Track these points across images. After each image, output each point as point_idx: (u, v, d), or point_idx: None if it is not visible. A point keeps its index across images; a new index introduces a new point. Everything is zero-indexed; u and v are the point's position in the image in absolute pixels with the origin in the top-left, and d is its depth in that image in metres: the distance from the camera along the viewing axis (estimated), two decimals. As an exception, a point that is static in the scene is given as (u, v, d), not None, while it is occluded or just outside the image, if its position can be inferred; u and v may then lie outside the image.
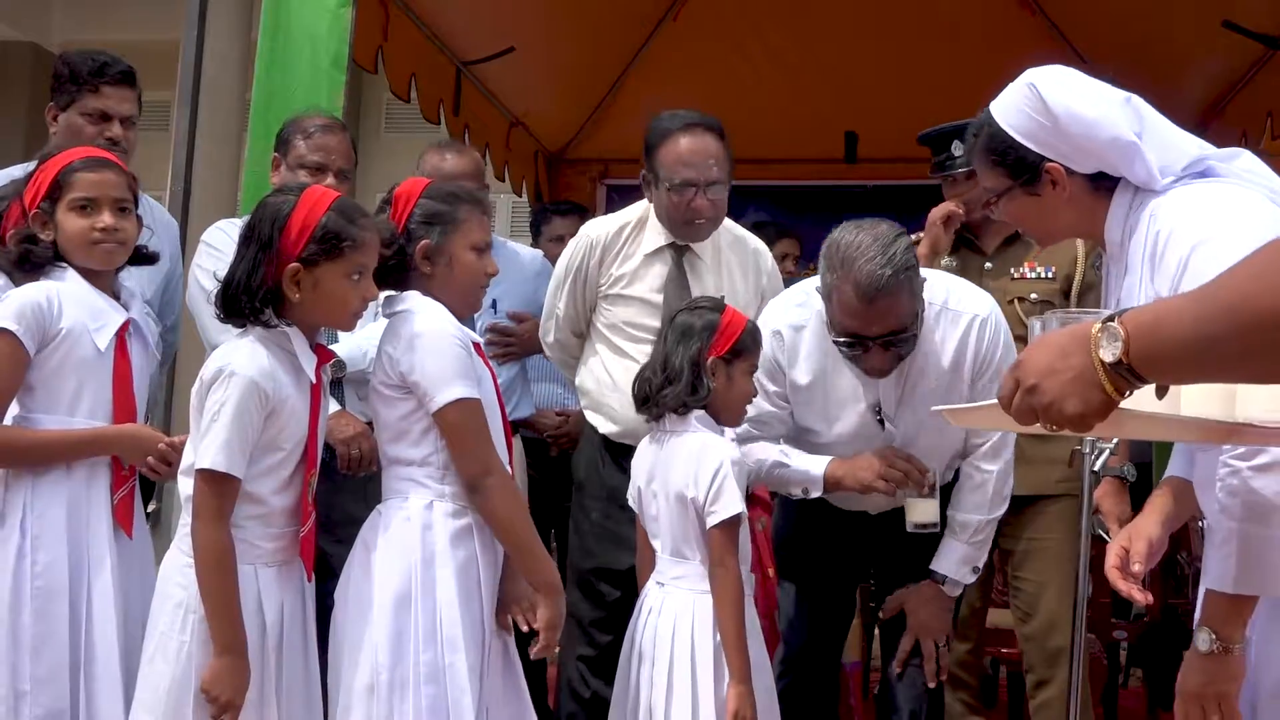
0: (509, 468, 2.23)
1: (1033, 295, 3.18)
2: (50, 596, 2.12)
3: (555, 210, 4.42)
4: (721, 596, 2.32)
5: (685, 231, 2.88)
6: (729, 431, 2.46)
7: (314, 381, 2.06)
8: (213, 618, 1.93)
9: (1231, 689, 1.60)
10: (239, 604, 1.95)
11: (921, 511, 2.48)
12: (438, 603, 2.08)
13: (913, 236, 2.69)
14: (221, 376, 1.97)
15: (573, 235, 3.16)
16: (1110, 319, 1.07)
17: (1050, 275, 3.21)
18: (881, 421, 2.53)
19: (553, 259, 3.49)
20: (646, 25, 5.19)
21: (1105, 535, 2.38)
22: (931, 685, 2.58)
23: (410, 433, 2.14)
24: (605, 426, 2.93)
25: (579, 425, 3.18)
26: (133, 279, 2.63)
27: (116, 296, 2.30)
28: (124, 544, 2.24)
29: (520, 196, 5.65)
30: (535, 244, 4.31)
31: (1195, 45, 4.29)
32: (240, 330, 2.05)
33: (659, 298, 2.89)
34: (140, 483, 2.35)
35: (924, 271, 2.50)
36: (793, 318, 2.58)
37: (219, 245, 2.71)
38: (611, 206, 3.52)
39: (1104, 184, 1.84)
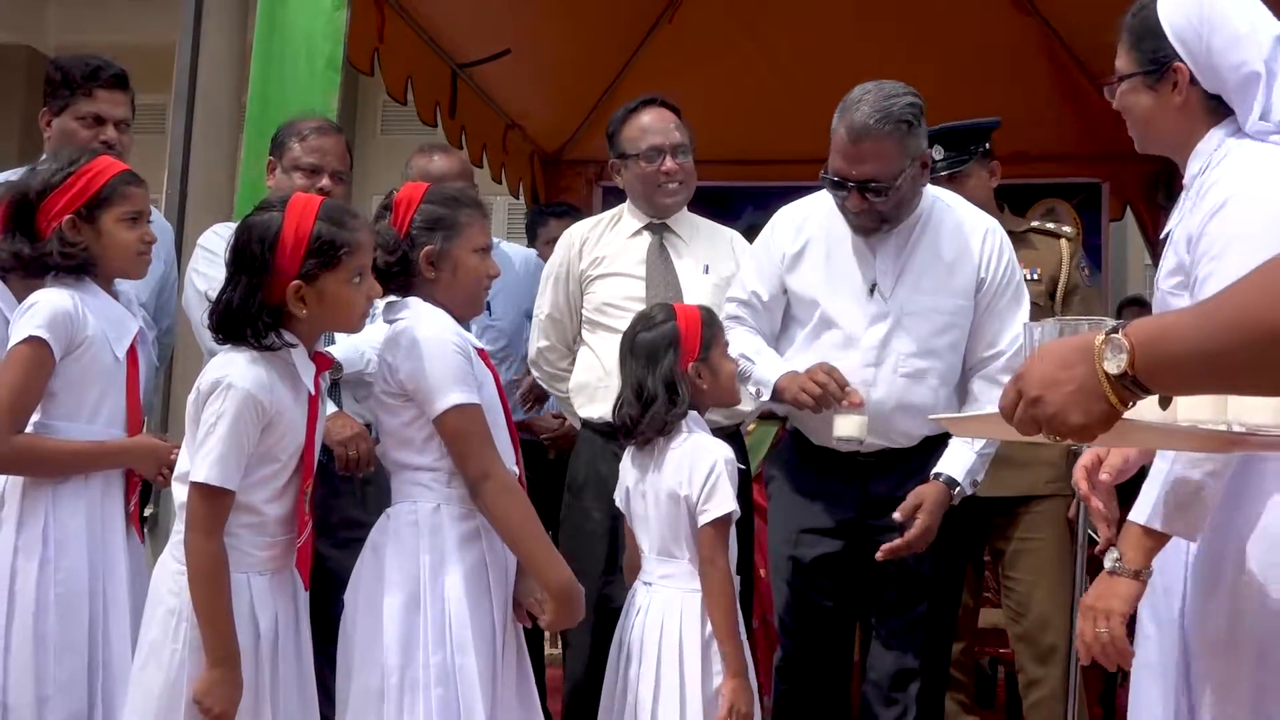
0: (515, 468, 2.24)
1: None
2: (72, 602, 2.14)
3: (551, 212, 4.43)
4: (712, 592, 2.34)
5: (660, 199, 2.97)
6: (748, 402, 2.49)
7: (312, 392, 2.05)
8: (205, 628, 1.91)
9: (1120, 608, 1.69)
10: (231, 615, 1.93)
11: (843, 426, 2.47)
12: (447, 605, 2.08)
13: None
14: (219, 388, 1.95)
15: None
16: (1114, 330, 1.07)
17: (1035, 277, 3.22)
18: (873, 292, 2.57)
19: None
20: (642, 27, 5.19)
21: (1095, 535, 2.39)
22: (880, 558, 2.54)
23: (414, 440, 2.15)
24: (607, 414, 2.93)
25: (574, 428, 3.18)
26: (127, 282, 2.64)
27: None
28: (134, 549, 2.28)
29: (517, 198, 5.65)
30: (531, 246, 4.31)
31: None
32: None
33: (641, 270, 2.95)
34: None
35: (942, 191, 2.61)
36: (809, 204, 2.69)
37: (215, 249, 2.71)
38: (607, 208, 3.52)
39: (1218, 110, 1.81)
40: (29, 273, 2.24)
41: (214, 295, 2.05)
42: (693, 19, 5.05)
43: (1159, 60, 1.84)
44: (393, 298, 2.23)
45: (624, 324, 2.80)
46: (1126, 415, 1.12)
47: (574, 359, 3.07)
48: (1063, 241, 3.26)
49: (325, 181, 2.78)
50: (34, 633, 2.11)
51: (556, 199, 5.41)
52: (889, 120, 2.41)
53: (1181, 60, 1.82)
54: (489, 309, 3.42)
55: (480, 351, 2.21)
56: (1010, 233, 3.26)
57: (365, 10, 3.65)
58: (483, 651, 2.09)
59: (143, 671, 1.98)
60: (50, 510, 2.17)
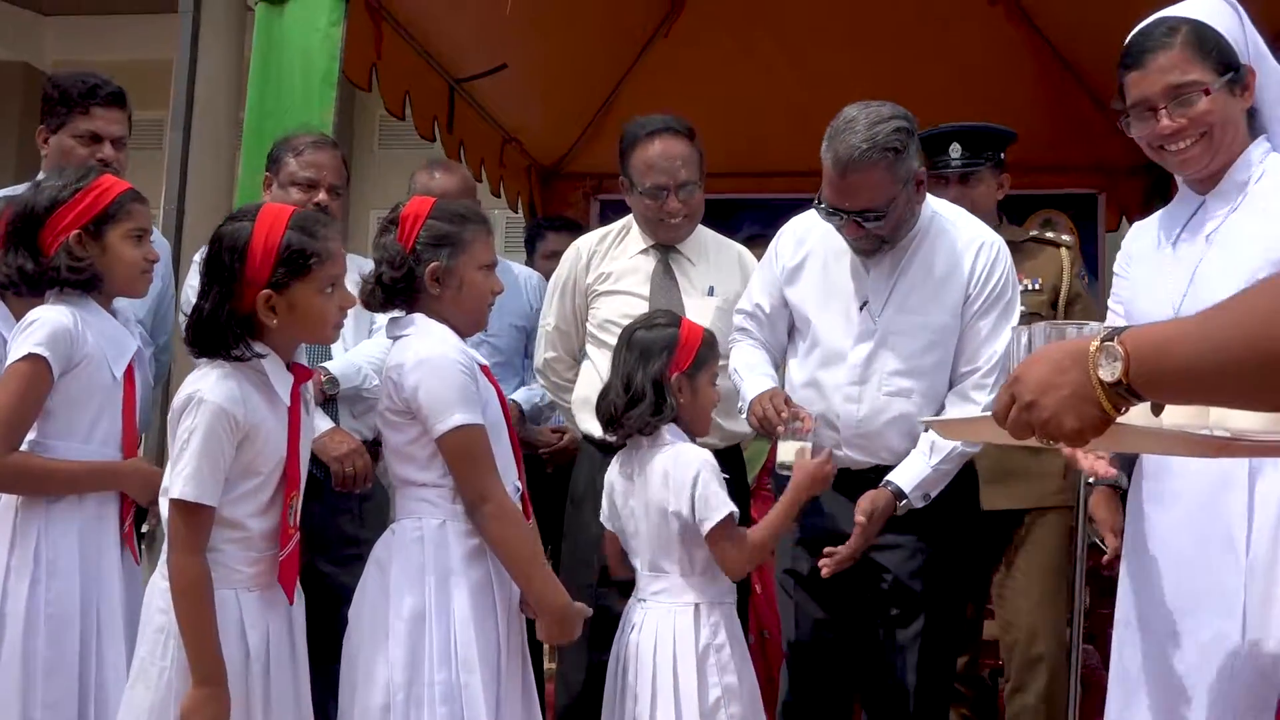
0: (519, 483, 2.25)
1: (1021, 308, 3.18)
2: (62, 623, 2.13)
3: (549, 226, 4.43)
4: (737, 560, 2.38)
5: (661, 232, 2.96)
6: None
7: (289, 404, 2.02)
8: (190, 646, 1.88)
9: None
10: (216, 633, 1.90)
11: (782, 451, 2.47)
12: (453, 622, 2.08)
13: None
14: (190, 404, 1.92)
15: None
16: (1109, 338, 1.08)
17: (1037, 287, 3.22)
18: (863, 309, 2.56)
19: (547, 274, 3.51)
20: (638, 41, 5.20)
21: (1101, 544, 2.39)
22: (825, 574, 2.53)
23: (417, 457, 2.15)
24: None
25: (575, 441, 3.18)
26: (124, 300, 2.64)
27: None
28: (130, 570, 2.26)
29: (516, 212, 5.66)
30: (530, 259, 4.32)
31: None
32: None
33: (645, 290, 2.94)
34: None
35: (942, 204, 2.59)
36: (810, 218, 2.67)
37: (212, 265, 2.71)
38: (604, 221, 3.53)
39: (1251, 121, 1.96)
40: (31, 289, 2.23)
41: None
42: (689, 32, 5.06)
43: (1233, 65, 1.93)
44: (397, 313, 2.23)
45: None
46: (1119, 420, 1.13)
47: (579, 370, 3.08)
48: (1063, 251, 3.26)
49: (322, 196, 2.79)
50: (22, 653, 2.09)
51: (554, 212, 5.41)
52: (876, 150, 2.37)
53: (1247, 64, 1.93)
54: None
55: (483, 368, 2.21)
56: (1010, 243, 3.27)
57: (362, 26, 3.66)
58: (488, 669, 2.09)
59: (132, 690, 1.96)
60: (43, 530, 2.16)
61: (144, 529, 2.53)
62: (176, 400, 1.96)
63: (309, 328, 2.03)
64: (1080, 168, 5.10)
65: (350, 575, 2.32)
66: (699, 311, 2.91)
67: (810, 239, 2.67)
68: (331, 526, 2.67)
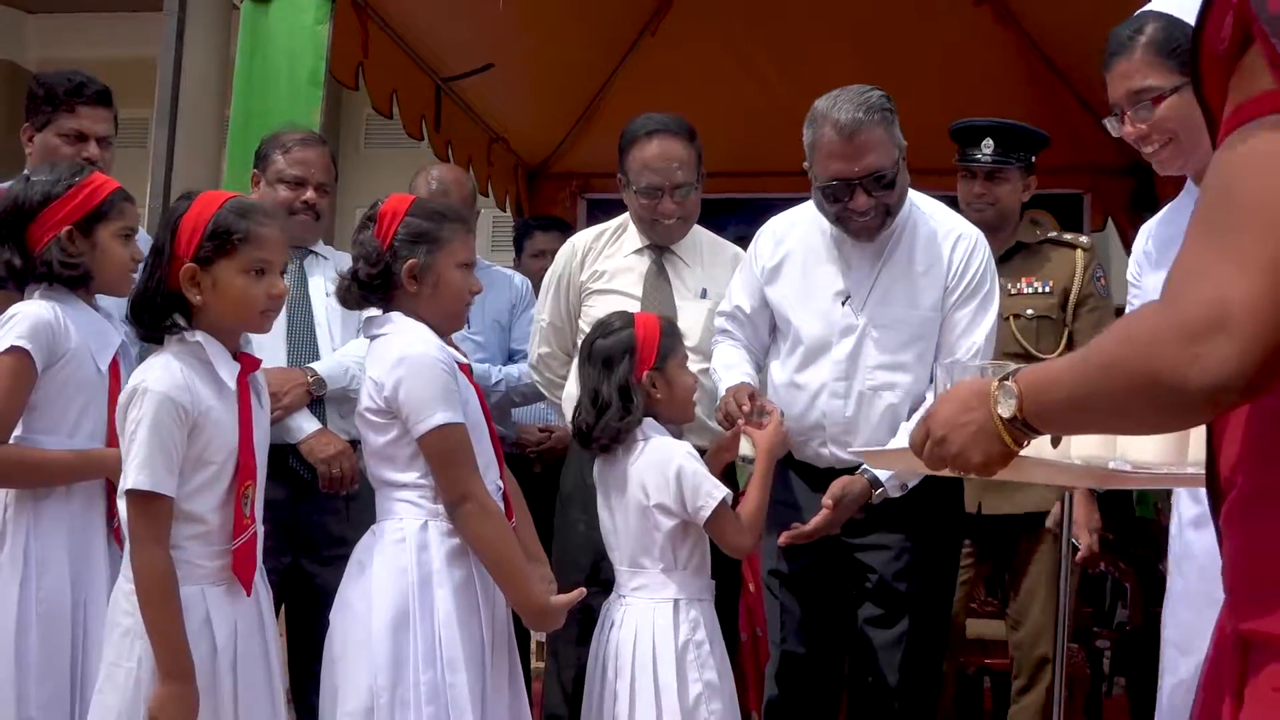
0: (500, 482, 2.24)
1: (1029, 311, 3.18)
2: (54, 621, 2.12)
3: (537, 225, 4.43)
4: (741, 536, 2.39)
5: (654, 232, 2.96)
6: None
7: (235, 390, 1.99)
8: (155, 642, 1.86)
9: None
10: (183, 628, 1.87)
11: (745, 445, 2.50)
12: (436, 623, 2.07)
13: None
14: (135, 395, 1.90)
15: (554, 250, 3.19)
16: (1006, 378, 1.18)
17: (1048, 289, 3.21)
18: (844, 304, 2.57)
19: (535, 274, 3.51)
20: (625, 41, 5.20)
21: (1075, 544, 2.42)
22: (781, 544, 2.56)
23: (397, 457, 2.14)
24: None
25: (563, 440, 3.18)
26: (109, 298, 2.62)
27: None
28: (115, 562, 2.20)
29: (504, 211, 5.65)
30: (518, 259, 4.31)
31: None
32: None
33: (638, 291, 2.93)
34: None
35: (920, 197, 2.62)
36: (791, 216, 2.71)
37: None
38: (592, 220, 3.53)
39: None
40: (18, 284, 2.22)
41: None
42: (675, 32, 5.06)
43: None
44: (374, 311, 2.22)
45: None
46: (1023, 453, 1.22)
47: (572, 366, 3.07)
48: (1078, 252, 3.25)
49: (310, 194, 2.78)
50: (16, 653, 2.08)
51: (541, 211, 5.42)
52: (875, 110, 2.43)
53: None
54: (468, 322, 3.42)
55: (463, 366, 2.20)
56: (1025, 245, 3.28)
57: (349, 25, 3.65)
58: (473, 669, 2.08)
59: (101, 695, 1.93)
60: (33, 527, 2.15)
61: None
62: (123, 395, 1.94)
63: (234, 310, 1.99)
64: (1065, 168, 5.11)
65: (337, 576, 2.31)
66: (692, 313, 2.91)
67: (789, 238, 2.67)
68: (319, 527, 2.66)
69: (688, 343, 2.86)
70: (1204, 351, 0.91)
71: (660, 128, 2.91)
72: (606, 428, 2.38)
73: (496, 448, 2.27)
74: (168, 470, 1.88)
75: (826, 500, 2.47)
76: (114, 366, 2.26)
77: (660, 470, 2.35)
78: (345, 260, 2.96)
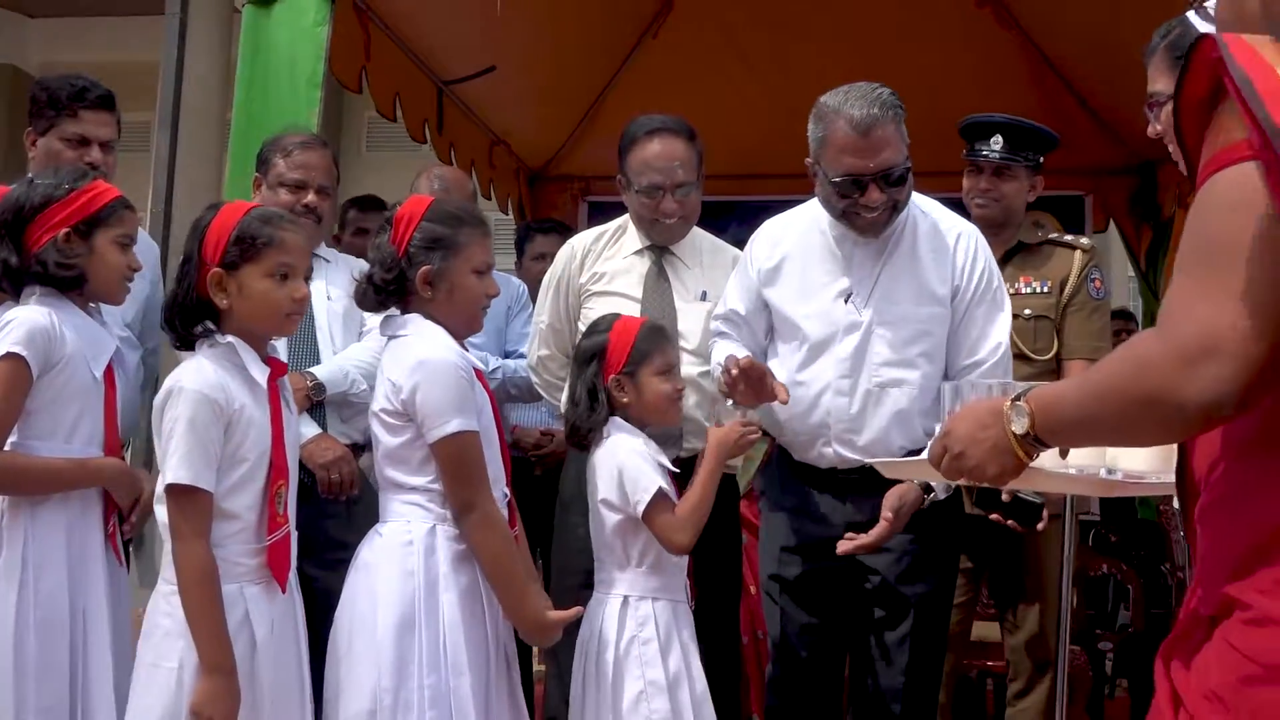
0: (508, 490, 2.26)
1: (1027, 310, 3.17)
2: (52, 626, 2.12)
3: (538, 228, 4.43)
4: (676, 531, 2.36)
5: (655, 231, 2.96)
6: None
7: (268, 390, 2.05)
8: (199, 636, 1.89)
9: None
10: (225, 622, 1.92)
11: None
12: (441, 627, 2.08)
13: None
14: (172, 395, 1.97)
15: (555, 253, 3.19)
16: (1018, 397, 1.32)
17: (1046, 289, 3.20)
18: (847, 302, 2.58)
19: (535, 277, 3.51)
20: (626, 43, 5.20)
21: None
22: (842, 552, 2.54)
23: (410, 460, 2.15)
24: None
25: (563, 444, 3.18)
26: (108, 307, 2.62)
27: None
28: (114, 571, 2.25)
29: (506, 214, 5.66)
30: (519, 262, 4.32)
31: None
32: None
33: (638, 293, 2.93)
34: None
35: (916, 195, 2.63)
36: (787, 218, 2.72)
37: (199, 268, 2.70)
38: (593, 223, 3.52)
39: None
40: (13, 285, 2.22)
41: None
42: (677, 35, 5.06)
43: None
44: (390, 312, 2.23)
45: None
46: (1032, 464, 1.36)
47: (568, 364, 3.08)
48: (1077, 253, 3.24)
49: (311, 197, 2.78)
50: (14, 658, 2.08)
51: (542, 214, 5.42)
52: (888, 107, 2.45)
53: None
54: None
55: (477, 372, 2.20)
56: (1026, 245, 3.27)
57: (351, 28, 3.65)
58: (477, 673, 2.09)
59: (139, 697, 1.96)
60: (29, 532, 2.15)
61: (126, 538, 2.50)
62: (159, 397, 1.99)
63: (260, 314, 2.05)
64: (1067, 170, 5.11)
65: (339, 579, 2.31)
66: (691, 316, 2.91)
67: (786, 240, 2.67)
68: (319, 530, 2.66)
69: (686, 345, 2.87)
70: (1199, 373, 1.05)
71: (661, 127, 2.92)
72: (579, 424, 2.44)
73: (505, 457, 2.27)
74: (206, 465, 1.93)
75: (886, 513, 2.47)
76: (109, 374, 2.27)
77: (607, 466, 2.39)
78: (347, 262, 2.98)
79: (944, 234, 2.62)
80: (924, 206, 2.66)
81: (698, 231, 3.05)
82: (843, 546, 2.50)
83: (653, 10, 5.11)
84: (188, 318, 2.03)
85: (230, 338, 2.02)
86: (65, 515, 2.19)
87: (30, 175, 2.36)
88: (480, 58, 4.48)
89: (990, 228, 3.06)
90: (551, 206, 5.66)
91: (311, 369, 2.74)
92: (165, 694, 1.92)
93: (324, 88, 3.26)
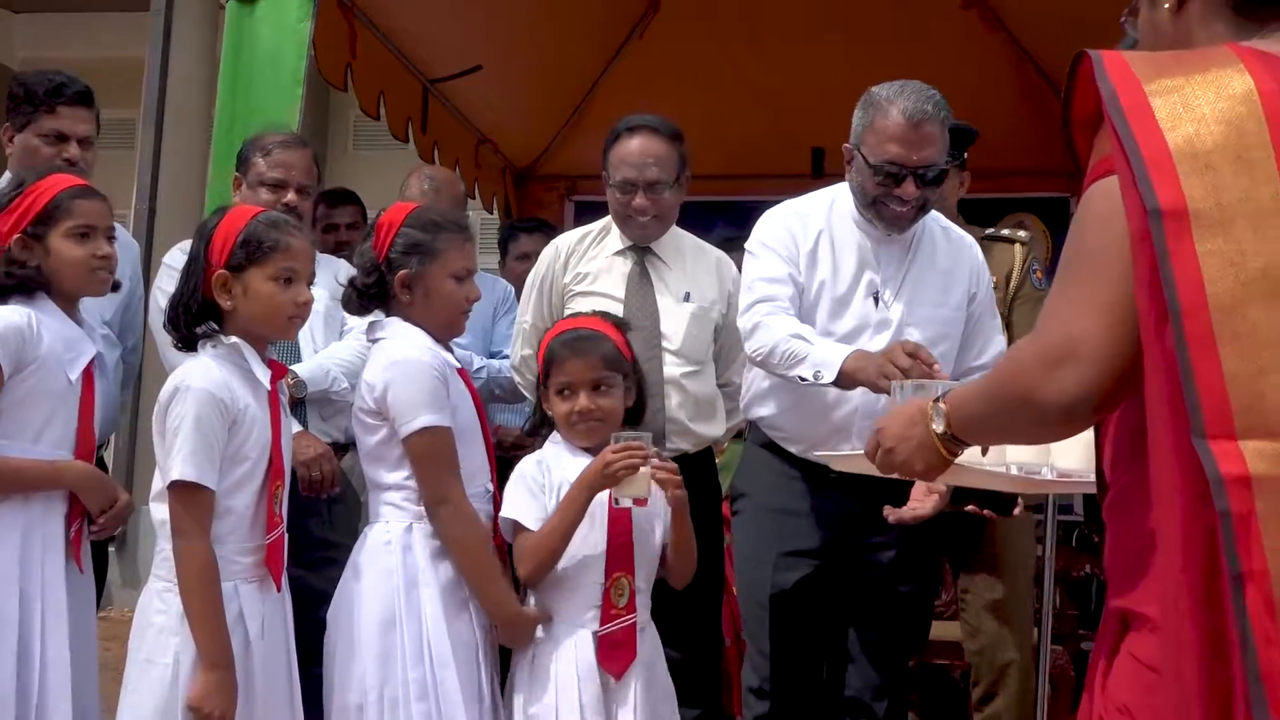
0: (491, 486, 2.27)
1: None
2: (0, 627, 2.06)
3: (521, 228, 4.42)
4: (516, 559, 2.23)
5: (629, 229, 2.96)
6: None
7: (270, 390, 2.08)
8: (199, 632, 1.93)
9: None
10: (224, 617, 1.95)
11: (634, 487, 2.17)
12: (424, 622, 2.12)
13: None
14: (178, 394, 1.99)
15: (539, 252, 3.19)
16: (938, 399, 1.41)
17: (992, 285, 3.22)
18: (876, 302, 2.58)
19: (519, 276, 3.50)
20: (613, 43, 5.20)
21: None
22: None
23: (388, 458, 2.18)
24: None
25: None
26: (91, 303, 2.60)
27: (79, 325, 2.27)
28: (74, 577, 2.20)
29: (491, 213, 5.65)
30: (503, 261, 4.31)
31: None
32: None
33: (620, 293, 2.93)
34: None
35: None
36: (810, 206, 2.67)
37: (179, 267, 2.69)
38: (579, 222, 3.52)
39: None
40: None
41: None
42: (664, 35, 5.06)
43: None
44: (375, 317, 2.28)
45: None
46: (958, 461, 1.44)
47: None
48: (1016, 246, 3.27)
49: (291, 196, 2.76)
50: None
51: (528, 213, 5.40)
52: (940, 108, 2.48)
53: None
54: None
55: (460, 371, 2.24)
56: None
57: (336, 25, 3.64)
58: (464, 665, 2.12)
59: (134, 695, 1.97)
60: None
61: (96, 538, 2.45)
62: (162, 394, 2.01)
63: (263, 316, 2.08)
64: (1052, 171, 5.14)
65: (320, 578, 2.32)
66: (674, 316, 2.91)
67: (811, 225, 2.62)
68: (301, 530, 2.65)
69: (669, 345, 2.87)
70: (1059, 375, 1.13)
71: (643, 125, 2.93)
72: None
73: (490, 453, 2.30)
74: (210, 463, 1.96)
75: (940, 487, 2.43)
76: (89, 378, 2.23)
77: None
78: (330, 263, 2.98)
79: (957, 240, 2.67)
80: (941, 219, 2.70)
81: (681, 233, 3.05)
82: (893, 516, 2.46)
83: (640, 9, 5.10)
84: (191, 318, 2.06)
85: (234, 339, 2.06)
86: (23, 515, 2.13)
87: (4, 175, 2.33)
88: (466, 56, 4.47)
89: None
90: (538, 206, 5.65)
91: (293, 367, 2.73)
92: (160, 690, 1.95)
93: (309, 85, 3.25)
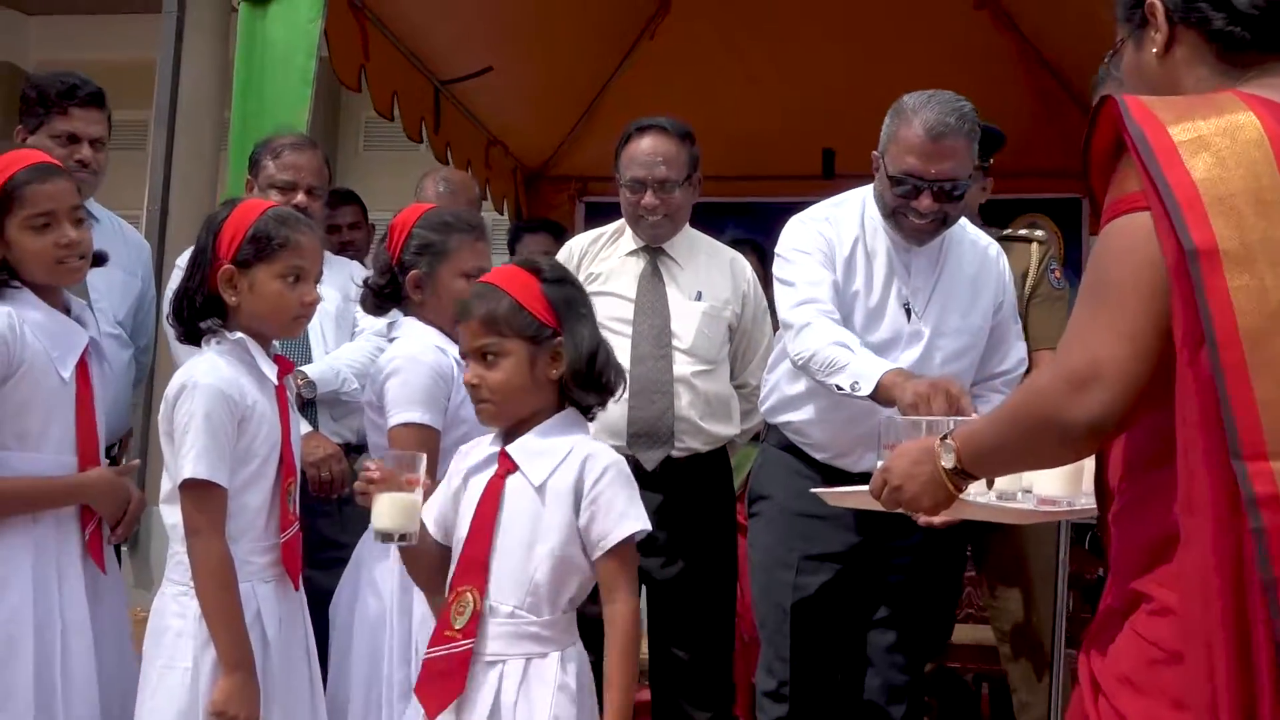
0: None
1: None
2: (14, 647, 1.98)
3: (527, 229, 4.42)
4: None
5: (640, 229, 2.96)
6: None
7: (277, 386, 2.05)
8: (219, 633, 1.88)
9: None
10: (243, 617, 1.91)
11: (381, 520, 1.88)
12: (414, 623, 2.12)
13: None
14: (185, 391, 1.94)
15: (544, 252, 3.20)
16: (945, 436, 1.46)
17: None
18: (909, 313, 2.55)
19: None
20: (623, 45, 5.20)
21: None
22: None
23: None
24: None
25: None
26: (105, 299, 2.60)
27: (67, 311, 2.15)
28: (97, 579, 2.14)
29: (502, 214, 5.65)
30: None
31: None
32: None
33: (632, 293, 2.93)
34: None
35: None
36: (839, 212, 2.62)
37: (192, 267, 2.70)
38: (590, 224, 3.52)
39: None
40: None
41: None
42: (674, 36, 5.06)
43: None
44: (394, 316, 2.33)
45: (610, 338, 2.79)
46: (962, 496, 1.50)
47: None
48: (1033, 246, 3.25)
49: (301, 198, 2.76)
50: None
51: (539, 214, 5.41)
52: (965, 120, 2.43)
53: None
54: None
55: None
56: None
57: (349, 27, 3.65)
58: None
59: (150, 700, 1.93)
60: None
61: (116, 540, 2.44)
62: (169, 392, 1.97)
63: (268, 313, 2.03)
64: (1064, 172, 5.11)
65: (331, 579, 2.32)
66: (685, 315, 2.91)
67: (846, 234, 2.59)
68: (311, 530, 2.65)
69: (679, 344, 2.87)
70: (1085, 397, 1.21)
71: (654, 125, 2.95)
72: None
73: None
74: (221, 460, 1.92)
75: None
76: (83, 369, 2.12)
77: None
78: (343, 264, 2.99)
79: (982, 248, 2.64)
80: (967, 225, 2.66)
81: (695, 233, 3.05)
82: (922, 519, 2.40)
83: (650, 10, 5.11)
84: (196, 311, 2.03)
85: (240, 334, 2.02)
86: (34, 530, 2.04)
87: None
88: (478, 58, 4.48)
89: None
90: (549, 207, 5.66)
91: (303, 368, 2.73)
92: (180, 695, 1.90)
93: (319, 86, 3.25)
